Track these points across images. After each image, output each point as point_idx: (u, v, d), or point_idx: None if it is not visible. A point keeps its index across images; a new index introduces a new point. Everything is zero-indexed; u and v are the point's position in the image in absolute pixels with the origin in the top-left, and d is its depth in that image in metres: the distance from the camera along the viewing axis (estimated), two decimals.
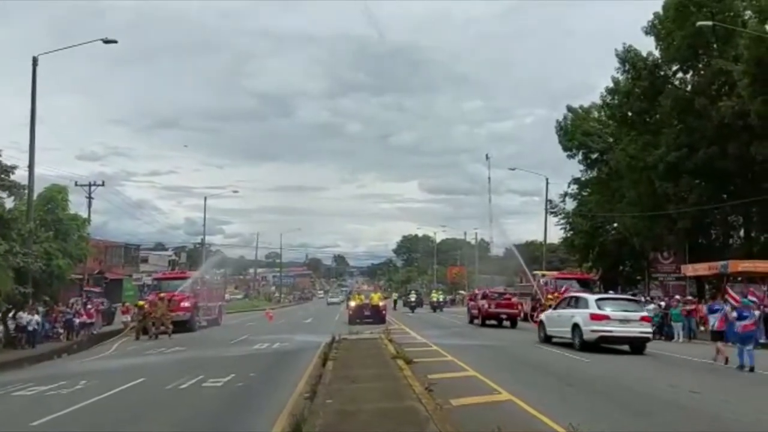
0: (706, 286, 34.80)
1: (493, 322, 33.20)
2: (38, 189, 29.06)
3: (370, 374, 11.99)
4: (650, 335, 19.51)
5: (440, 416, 7.67)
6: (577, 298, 21.46)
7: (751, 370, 14.85)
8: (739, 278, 28.47)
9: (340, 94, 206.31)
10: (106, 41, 25.48)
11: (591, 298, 20.71)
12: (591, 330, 18.62)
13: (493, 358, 17.28)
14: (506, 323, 32.97)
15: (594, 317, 18.75)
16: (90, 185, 43.03)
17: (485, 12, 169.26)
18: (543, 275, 39.23)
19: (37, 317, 23.27)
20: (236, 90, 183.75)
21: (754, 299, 21.75)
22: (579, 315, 19.40)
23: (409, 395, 9.33)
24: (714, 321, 18.86)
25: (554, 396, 10.96)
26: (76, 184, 42.54)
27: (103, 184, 44.63)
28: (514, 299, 36.13)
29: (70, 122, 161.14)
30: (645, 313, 20.05)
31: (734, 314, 16.39)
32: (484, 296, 35.98)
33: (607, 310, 18.90)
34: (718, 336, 17.85)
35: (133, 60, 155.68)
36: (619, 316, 18.74)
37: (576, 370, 14.80)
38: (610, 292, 32.09)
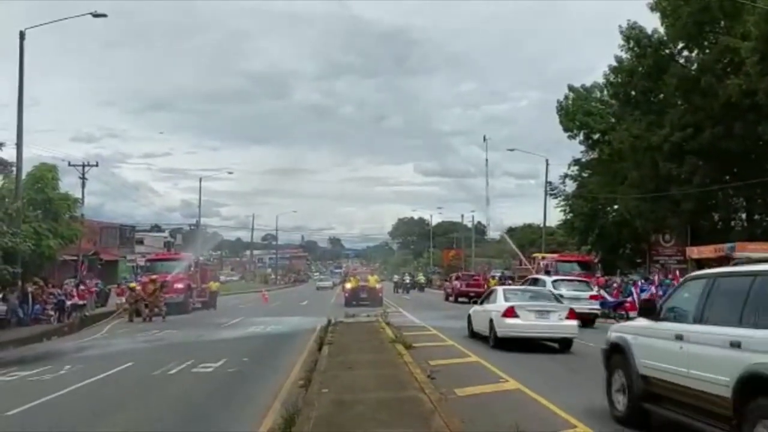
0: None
1: (464, 299, 37.77)
2: (30, 169, 28.40)
3: (368, 360, 11.45)
4: (598, 311, 22.23)
5: (446, 408, 7.07)
6: (536, 280, 24.53)
7: None
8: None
9: (332, 76, 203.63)
10: (96, 15, 25.08)
11: (548, 279, 23.37)
12: None
13: None
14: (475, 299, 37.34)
15: None
16: (84, 166, 42.43)
17: None
18: (543, 257, 38.65)
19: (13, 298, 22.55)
20: (229, 71, 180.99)
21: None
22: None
23: (411, 384, 8.76)
24: None
25: (562, 383, 10.40)
26: (69, 165, 41.92)
27: (96, 165, 44.07)
28: (482, 280, 42.25)
29: (64, 104, 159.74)
30: (593, 292, 23.12)
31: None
32: (458, 278, 43.11)
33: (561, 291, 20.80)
34: None
35: (125, 41, 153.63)
36: (571, 295, 20.67)
37: (576, 353, 14.31)
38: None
